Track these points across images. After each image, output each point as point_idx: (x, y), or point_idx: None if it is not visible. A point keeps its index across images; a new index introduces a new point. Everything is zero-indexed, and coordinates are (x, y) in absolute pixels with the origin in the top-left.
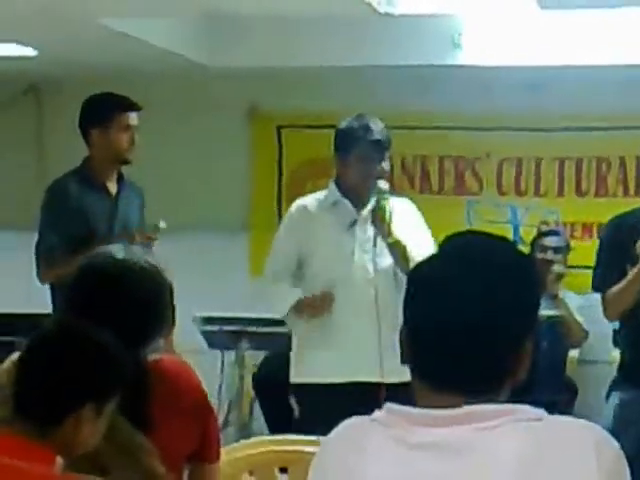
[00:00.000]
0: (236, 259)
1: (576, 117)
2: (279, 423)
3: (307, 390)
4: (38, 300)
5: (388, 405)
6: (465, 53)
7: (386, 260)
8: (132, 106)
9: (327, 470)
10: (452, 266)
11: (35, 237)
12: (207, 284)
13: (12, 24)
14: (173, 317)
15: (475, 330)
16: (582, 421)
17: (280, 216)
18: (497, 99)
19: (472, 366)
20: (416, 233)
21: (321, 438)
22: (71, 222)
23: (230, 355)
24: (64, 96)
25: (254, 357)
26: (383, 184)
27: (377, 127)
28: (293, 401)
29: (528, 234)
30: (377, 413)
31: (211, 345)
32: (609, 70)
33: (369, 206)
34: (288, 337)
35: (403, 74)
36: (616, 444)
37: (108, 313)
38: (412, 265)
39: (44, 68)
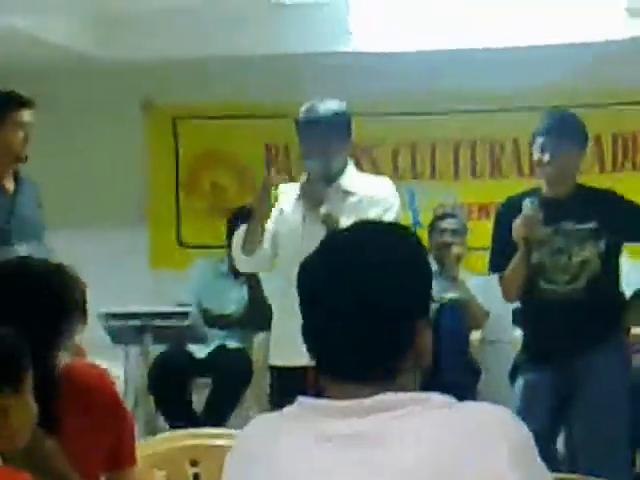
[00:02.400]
0: (136, 252)
1: (468, 99)
2: (179, 420)
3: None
4: None
5: (299, 398)
6: (356, 39)
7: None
8: (26, 103)
9: (241, 465)
10: (333, 256)
11: None
12: (108, 279)
13: None
14: (85, 316)
15: (361, 318)
16: (490, 405)
17: (178, 208)
18: (390, 84)
19: (364, 354)
20: (371, 209)
21: (236, 432)
22: None
23: (135, 350)
24: None
25: (158, 351)
26: (311, 163)
27: (313, 108)
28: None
29: (426, 217)
30: (288, 407)
31: (115, 340)
32: (500, 52)
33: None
34: (190, 330)
35: (297, 62)
36: (524, 425)
37: (14, 314)
38: None
39: None
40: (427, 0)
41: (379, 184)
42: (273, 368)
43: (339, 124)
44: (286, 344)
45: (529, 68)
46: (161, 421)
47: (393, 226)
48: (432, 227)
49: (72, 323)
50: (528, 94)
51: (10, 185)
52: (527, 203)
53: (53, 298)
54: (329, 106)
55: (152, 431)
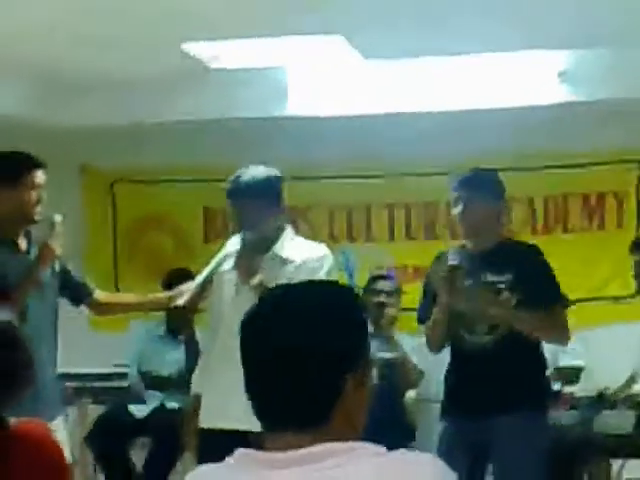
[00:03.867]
0: (74, 313)
1: (403, 163)
2: (118, 477)
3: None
4: None
5: (239, 450)
6: (292, 104)
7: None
8: (39, 164)
9: None
10: (267, 310)
11: None
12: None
13: None
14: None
15: (292, 367)
16: (421, 453)
17: (116, 270)
18: (326, 148)
19: (291, 403)
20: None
21: None
22: None
23: (73, 410)
24: None
25: (96, 412)
26: (247, 234)
27: (237, 178)
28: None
29: (362, 279)
30: (228, 459)
31: None
32: (434, 116)
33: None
34: (129, 391)
35: (233, 127)
36: (454, 474)
37: None
38: None
39: None
40: (363, 65)
41: (315, 251)
42: (203, 431)
43: (265, 192)
44: (214, 407)
45: (463, 132)
46: None
47: (328, 282)
48: (367, 288)
49: (23, 386)
50: (461, 158)
51: (23, 244)
52: (449, 255)
53: (6, 360)
54: (254, 175)
55: None
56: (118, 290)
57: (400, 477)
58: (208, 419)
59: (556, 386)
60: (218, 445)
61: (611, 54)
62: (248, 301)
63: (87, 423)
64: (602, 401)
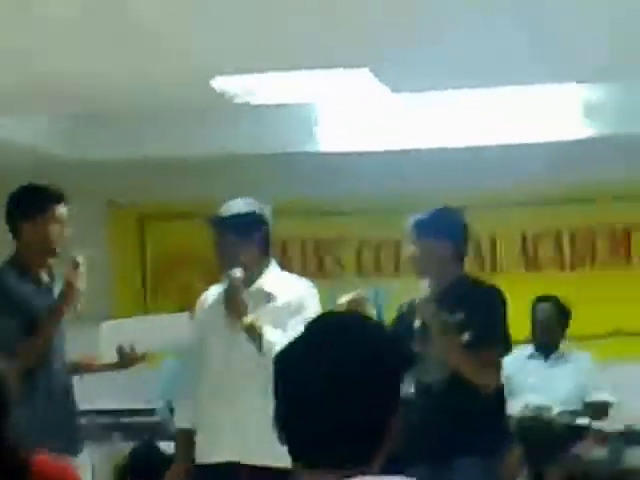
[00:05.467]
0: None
1: (432, 198)
2: None
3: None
4: None
5: None
6: (322, 139)
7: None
8: (62, 198)
9: None
10: (311, 348)
11: None
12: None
13: None
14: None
15: (338, 409)
16: None
17: (146, 307)
18: (355, 183)
19: (341, 444)
20: (292, 317)
21: None
22: (16, 313)
23: (103, 446)
24: None
25: (126, 449)
26: (236, 272)
27: (228, 209)
28: None
29: (390, 316)
30: None
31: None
32: (462, 152)
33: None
34: (159, 427)
35: (262, 162)
36: None
37: None
38: (266, 348)
39: None
40: (391, 99)
41: (301, 287)
42: (199, 467)
43: (255, 226)
44: (212, 442)
45: (491, 167)
46: None
47: (370, 321)
48: (396, 324)
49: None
50: (490, 192)
51: (45, 278)
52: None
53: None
54: (240, 208)
55: None
56: None
57: None
58: (205, 454)
59: (584, 421)
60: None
61: (638, 87)
62: (240, 341)
63: (117, 459)
64: (631, 436)
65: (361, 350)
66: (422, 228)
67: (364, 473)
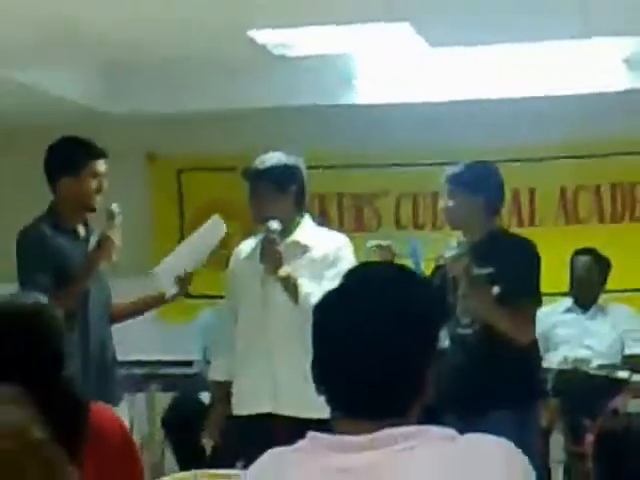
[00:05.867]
0: None
1: (471, 150)
2: (191, 464)
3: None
4: None
5: (311, 433)
6: (359, 91)
7: (281, 294)
8: (101, 153)
9: None
10: (350, 297)
11: None
12: (114, 328)
13: None
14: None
15: (378, 358)
16: (493, 437)
17: None
18: (393, 136)
19: (381, 394)
20: (327, 269)
21: (245, 470)
22: (52, 265)
23: (140, 397)
24: None
25: (164, 399)
26: (273, 224)
27: (264, 161)
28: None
29: (428, 268)
30: (300, 442)
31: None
32: (501, 104)
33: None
34: (197, 378)
35: (300, 114)
36: (526, 459)
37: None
38: (302, 300)
39: None
40: (431, 52)
41: (335, 240)
42: (235, 418)
43: (291, 178)
44: (248, 394)
45: (529, 120)
46: (167, 467)
47: (409, 271)
48: (433, 277)
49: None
50: (528, 145)
51: (82, 231)
52: (447, 247)
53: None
54: (277, 161)
55: (157, 477)
56: None
57: (470, 461)
58: (242, 406)
59: (624, 374)
60: (249, 430)
61: None
62: (275, 293)
63: (154, 409)
64: None
65: (398, 300)
66: (456, 181)
67: (401, 423)
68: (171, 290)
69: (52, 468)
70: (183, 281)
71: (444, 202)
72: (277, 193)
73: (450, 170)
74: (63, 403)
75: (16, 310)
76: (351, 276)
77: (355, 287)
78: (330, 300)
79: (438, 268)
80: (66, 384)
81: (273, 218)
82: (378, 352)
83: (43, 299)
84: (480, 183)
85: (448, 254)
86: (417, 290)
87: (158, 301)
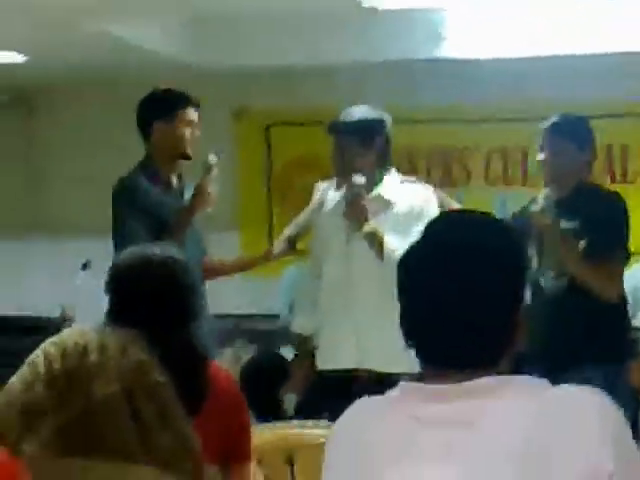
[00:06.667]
0: (228, 257)
1: (562, 106)
2: (268, 418)
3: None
4: (28, 303)
5: (402, 383)
6: (449, 46)
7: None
8: (193, 102)
9: (341, 448)
10: (437, 248)
11: (26, 241)
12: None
13: None
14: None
15: (467, 308)
16: (586, 389)
17: (271, 213)
18: (483, 91)
19: (472, 343)
20: (414, 223)
21: (336, 420)
22: (148, 216)
23: (227, 351)
24: (54, 102)
25: (249, 353)
26: (358, 178)
27: (353, 116)
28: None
29: None
30: (391, 391)
31: None
32: (590, 58)
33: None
34: (281, 333)
35: (389, 69)
36: (620, 410)
37: (148, 304)
38: (387, 256)
39: (33, 74)
40: (523, 8)
41: (420, 194)
42: (319, 372)
43: (376, 131)
44: (333, 349)
45: (619, 75)
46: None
47: (493, 219)
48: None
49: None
50: (619, 100)
51: (175, 182)
52: (533, 202)
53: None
54: (364, 115)
55: None
56: (272, 232)
57: (563, 411)
58: (326, 361)
59: None
60: (333, 385)
61: None
62: (360, 248)
63: (240, 364)
64: None
65: (483, 247)
66: (557, 132)
67: (492, 373)
68: (279, 248)
69: (167, 412)
70: (290, 243)
71: (543, 153)
72: (362, 147)
73: (550, 121)
74: (184, 357)
75: (153, 260)
76: (433, 227)
77: (438, 238)
78: (414, 253)
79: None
80: (189, 339)
81: (357, 171)
82: (466, 301)
83: (179, 254)
84: (580, 134)
85: (534, 208)
86: (501, 236)
87: (261, 259)
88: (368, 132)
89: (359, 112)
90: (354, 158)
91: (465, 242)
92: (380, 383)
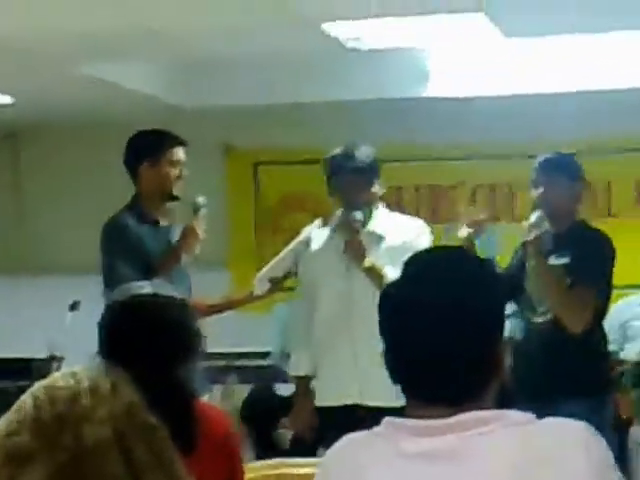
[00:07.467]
0: (217, 294)
1: (547, 143)
2: (266, 455)
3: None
4: (22, 345)
5: (387, 419)
6: (434, 85)
7: (364, 283)
8: (180, 142)
9: (332, 477)
10: (418, 284)
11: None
12: None
13: None
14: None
15: (450, 344)
16: (570, 421)
17: (259, 249)
18: (468, 128)
19: (456, 378)
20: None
21: (323, 456)
22: (135, 255)
23: (217, 389)
24: (41, 142)
25: (241, 390)
26: (358, 214)
27: (354, 156)
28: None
29: (504, 260)
30: (376, 428)
31: None
32: (575, 96)
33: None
34: (273, 370)
35: (374, 108)
36: (604, 442)
37: (142, 343)
38: None
39: (21, 115)
40: (504, 46)
41: (413, 227)
42: (319, 409)
43: (375, 171)
44: (330, 387)
45: (605, 112)
46: (244, 458)
47: (471, 256)
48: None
49: (194, 350)
50: (598, 139)
51: (164, 221)
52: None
53: (179, 327)
54: (365, 153)
55: None
56: (261, 268)
57: (548, 446)
58: (326, 397)
59: None
60: (336, 421)
61: None
62: (359, 283)
63: (232, 401)
64: None
65: (463, 283)
66: (554, 168)
67: (478, 407)
68: (261, 289)
69: (160, 453)
70: (275, 284)
71: (539, 189)
72: (367, 185)
73: (542, 157)
74: (174, 397)
75: (152, 302)
76: (412, 267)
77: (416, 278)
78: (393, 294)
79: (515, 255)
80: (178, 379)
81: (358, 208)
82: (447, 340)
83: (178, 294)
84: (572, 169)
85: (532, 220)
86: (480, 271)
87: (246, 299)
88: (372, 172)
89: (365, 154)
90: (360, 196)
91: (443, 282)
92: (381, 418)
